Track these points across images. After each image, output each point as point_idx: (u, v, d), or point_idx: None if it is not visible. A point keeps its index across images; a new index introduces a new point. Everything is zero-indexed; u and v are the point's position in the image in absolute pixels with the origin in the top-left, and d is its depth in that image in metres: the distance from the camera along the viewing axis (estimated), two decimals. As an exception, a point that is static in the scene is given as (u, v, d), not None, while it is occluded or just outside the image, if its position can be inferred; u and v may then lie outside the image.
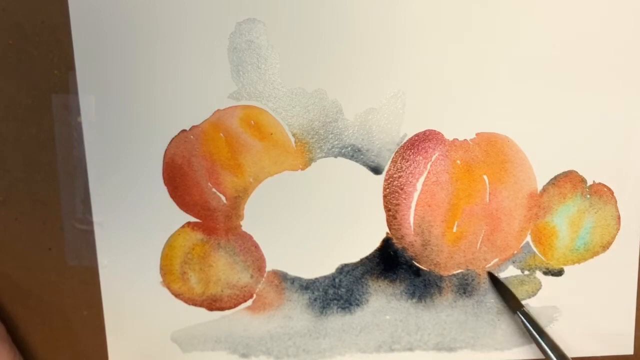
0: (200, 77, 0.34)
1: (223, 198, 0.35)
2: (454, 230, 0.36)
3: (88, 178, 0.34)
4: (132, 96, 0.34)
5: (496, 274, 0.37)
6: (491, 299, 0.38)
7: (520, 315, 0.36)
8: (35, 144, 0.34)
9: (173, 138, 0.34)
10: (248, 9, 0.33)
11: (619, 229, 0.37)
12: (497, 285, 0.37)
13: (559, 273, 0.37)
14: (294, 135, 0.35)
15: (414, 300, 0.37)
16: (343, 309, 0.37)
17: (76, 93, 0.33)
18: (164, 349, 0.37)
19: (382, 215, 0.36)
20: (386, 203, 0.36)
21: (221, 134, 0.34)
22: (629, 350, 0.39)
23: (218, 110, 0.34)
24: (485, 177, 0.36)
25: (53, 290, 0.36)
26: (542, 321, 0.38)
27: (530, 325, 0.35)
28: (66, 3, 0.32)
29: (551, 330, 0.38)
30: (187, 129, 0.34)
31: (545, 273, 0.37)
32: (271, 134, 0.34)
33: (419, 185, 0.35)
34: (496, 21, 0.34)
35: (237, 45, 0.33)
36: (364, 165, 0.35)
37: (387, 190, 0.36)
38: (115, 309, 0.36)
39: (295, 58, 0.34)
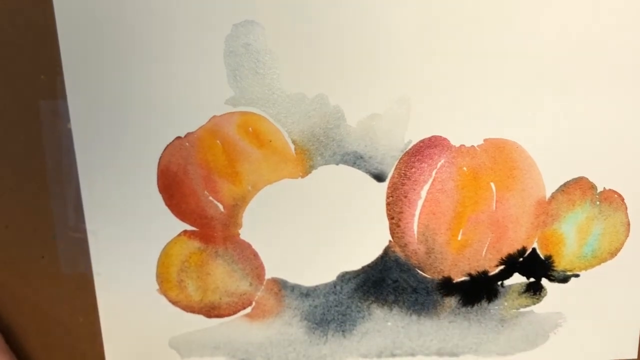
0: (195, 82, 0.32)
1: (220, 206, 0.34)
2: (459, 238, 0.35)
3: (80, 186, 0.33)
4: (123, 101, 0.32)
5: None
6: (495, 306, 0.37)
7: None
8: (23, 151, 0.33)
9: (167, 145, 0.33)
10: (245, 11, 0.31)
11: (627, 236, 0.36)
12: None
13: (564, 280, 0.37)
14: (293, 142, 0.33)
15: (417, 307, 0.37)
16: (344, 315, 0.37)
17: (65, 99, 0.32)
18: (163, 355, 0.37)
19: (385, 222, 0.35)
20: (389, 211, 0.35)
21: (218, 141, 0.33)
22: (633, 354, 0.39)
23: (214, 116, 0.33)
24: (492, 184, 0.34)
25: (48, 298, 0.35)
26: (546, 327, 0.37)
27: None
28: (51, 4, 0.30)
29: (555, 337, 0.38)
30: (182, 135, 0.33)
31: (551, 280, 0.37)
32: (270, 141, 0.33)
33: (424, 193, 0.34)
34: (505, 26, 0.32)
35: (234, 48, 0.31)
36: (366, 173, 0.34)
37: (391, 198, 0.34)
38: (112, 316, 0.36)
39: (295, 62, 0.32)
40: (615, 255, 0.36)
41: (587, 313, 0.37)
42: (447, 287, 0.36)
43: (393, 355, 0.38)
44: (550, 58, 0.33)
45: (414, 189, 0.34)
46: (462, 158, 0.34)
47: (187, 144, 0.33)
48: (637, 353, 0.39)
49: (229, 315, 0.36)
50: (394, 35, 0.32)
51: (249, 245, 0.35)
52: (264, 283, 0.36)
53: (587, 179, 0.35)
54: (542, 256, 0.36)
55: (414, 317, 0.37)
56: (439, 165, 0.34)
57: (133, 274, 0.35)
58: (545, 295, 0.37)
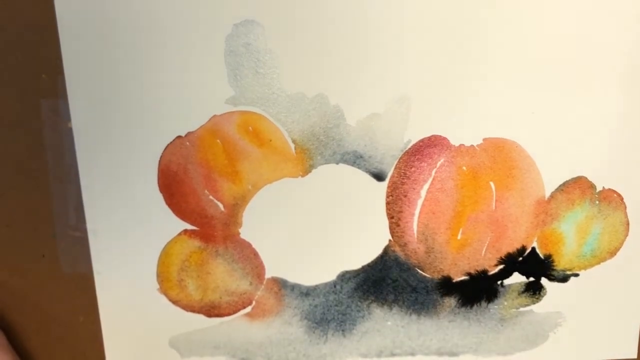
0: (196, 81, 0.32)
1: (220, 205, 0.34)
2: (459, 237, 0.35)
3: (80, 185, 0.33)
4: (124, 101, 0.32)
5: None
6: (494, 305, 0.37)
7: None
8: (24, 150, 0.33)
9: (168, 144, 0.33)
10: (245, 10, 0.31)
11: (627, 235, 0.36)
12: None
13: (564, 279, 0.37)
14: (293, 141, 0.33)
15: (416, 307, 0.37)
16: (344, 315, 0.37)
17: (66, 98, 0.32)
18: (163, 354, 0.37)
19: (385, 222, 0.35)
20: (389, 210, 0.35)
21: (218, 141, 0.33)
22: (633, 354, 0.39)
23: (215, 115, 0.33)
24: (491, 183, 0.34)
25: (48, 297, 0.35)
26: (545, 327, 0.37)
27: None
28: (52, 3, 0.30)
29: (555, 336, 0.38)
30: (183, 135, 0.33)
31: (551, 279, 0.37)
32: (270, 140, 0.33)
33: (423, 193, 0.34)
34: (504, 24, 0.32)
35: (234, 48, 0.31)
36: (366, 172, 0.34)
37: (390, 197, 0.34)
38: (112, 315, 0.36)
39: (295, 62, 0.32)
40: (615, 254, 0.36)
41: (586, 312, 0.37)
42: (446, 286, 0.36)
43: (393, 354, 0.37)
44: (550, 58, 0.33)
45: (414, 188, 0.34)
46: (461, 157, 0.34)
47: (187, 143, 0.33)
48: (636, 352, 0.39)
49: (229, 314, 0.36)
50: (394, 35, 0.32)
51: (249, 245, 0.35)
52: (264, 282, 0.36)
53: (586, 178, 0.35)
54: (541, 255, 0.36)
55: (414, 316, 0.37)
56: (438, 164, 0.34)
57: (133, 273, 0.35)
58: (544, 294, 0.37)
